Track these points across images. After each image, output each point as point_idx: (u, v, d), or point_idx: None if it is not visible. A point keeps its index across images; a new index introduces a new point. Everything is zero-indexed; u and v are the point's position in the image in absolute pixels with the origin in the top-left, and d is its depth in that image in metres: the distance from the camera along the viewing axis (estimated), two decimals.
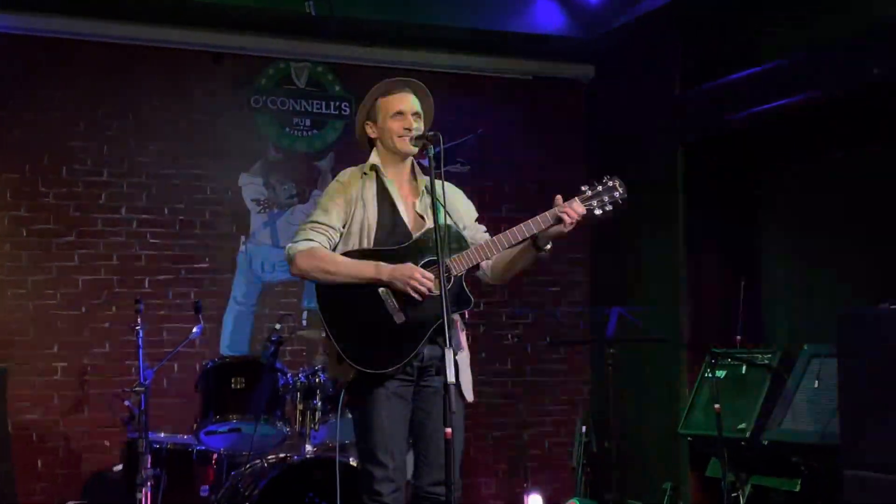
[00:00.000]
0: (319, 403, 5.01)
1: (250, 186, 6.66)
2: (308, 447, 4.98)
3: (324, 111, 6.84)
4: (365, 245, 3.61)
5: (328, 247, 3.63)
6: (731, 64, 6.15)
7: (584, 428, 6.55)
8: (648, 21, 6.37)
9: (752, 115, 5.71)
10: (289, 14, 6.22)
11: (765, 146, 6.13)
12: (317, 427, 5.02)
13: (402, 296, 3.50)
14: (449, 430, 3.07)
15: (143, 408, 4.96)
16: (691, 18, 6.26)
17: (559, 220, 3.52)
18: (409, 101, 3.70)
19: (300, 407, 5.06)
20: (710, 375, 5.53)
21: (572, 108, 7.33)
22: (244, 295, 6.58)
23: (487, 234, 3.76)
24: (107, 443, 6.11)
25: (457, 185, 3.86)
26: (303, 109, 6.79)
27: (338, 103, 6.86)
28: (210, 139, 6.57)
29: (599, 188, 3.59)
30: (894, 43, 4.97)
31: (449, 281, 3.45)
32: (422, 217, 3.68)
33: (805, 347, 5.33)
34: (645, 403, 6.53)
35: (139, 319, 5.19)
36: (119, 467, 5.48)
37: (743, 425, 5.35)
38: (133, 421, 5.07)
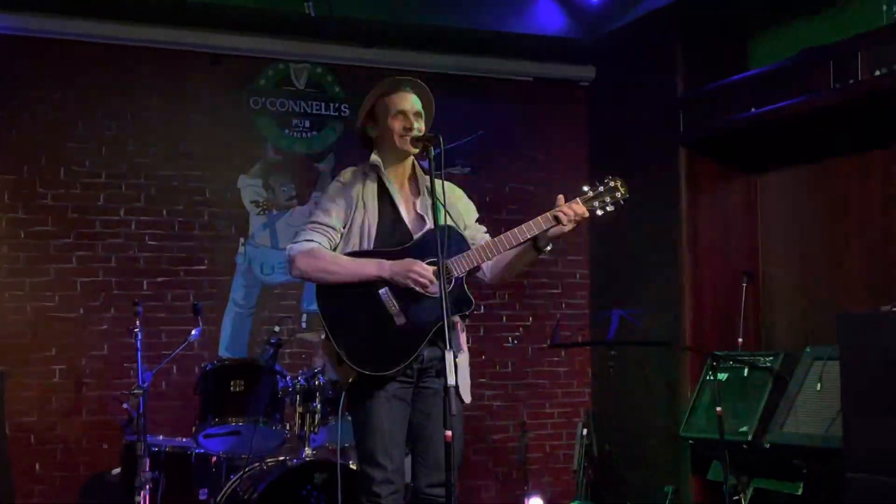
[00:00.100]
0: (319, 406, 5.00)
1: (249, 188, 6.64)
2: (307, 450, 4.96)
3: (323, 112, 6.82)
4: (365, 246, 3.61)
5: (329, 247, 3.62)
6: (733, 65, 6.14)
7: (584, 431, 6.54)
8: (649, 22, 6.35)
9: (753, 116, 5.69)
10: (288, 15, 6.20)
11: (766, 147, 6.11)
12: (316, 430, 5.01)
13: (402, 297, 3.50)
14: (449, 432, 3.05)
15: (141, 410, 4.95)
16: (692, 19, 6.25)
17: (559, 221, 3.51)
18: (410, 101, 3.69)
19: (299, 409, 5.05)
20: (711, 378, 5.53)
21: (573, 110, 7.31)
22: (243, 297, 6.55)
23: (488, 234, 3.76)
24: (105, 446, 6.08)
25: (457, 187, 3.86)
26: (302, 111, 6.77)
27: (337, 104, 6.84)
28: (209, 140, 6.55)
29: (601, 188, 3.60)
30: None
31: (449, 282, 3.44)
32: (422, 217, 3.67)
33: (807, 350, 5.31)
34: (646, 406, 6.50)
35: (138, 322, 5.16)
36: (117, 470, 5.46)
37: (745, 428, 5.34)
38: (131, 424, 5.05)
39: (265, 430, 5.08)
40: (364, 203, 3.64)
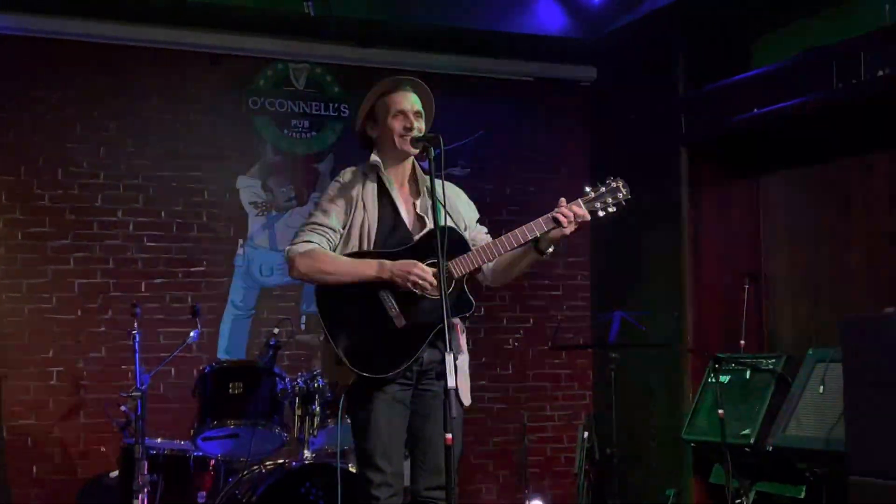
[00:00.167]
0: (318, 409, 4.99)
1: (248, 189, 6.62)
2: (306, 453, 4.95)
3: (323, 113, 6.80)
4: (365, 247, 3.58)
5: (328, 248, 3.60)
6: (734, 65, 6.12)
7: (586, 433, 6.51)
8: (651, 22, 6.33)
9: (755, 116, 5.68)
10: (288, 15, 6.18)
11: (768, 148, 6.09)
12: (315, 432, 4.99)
13: (402, 299, 3.48)
14: (450, 435, 3.03)
15: (139, 413, 4.92)
16: (694, 19, 6.23)
17: (559, 223, 3.48)
18: (410, 100, 3.66)
19: (298, 412, 5.03)
20: (713, 380, 5.51)
21: (574, 110, 7.30)
22: (242, 299, 6.53)
23: (488, 235, 3.73)
24: (103, 448, 6.06)
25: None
26: (301, 111, 6.75)
27: (337, 105, 6.82)
28: (208, 141, 6.53)
29: (603, 189, 3.58)
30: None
31: (450, 284, 3.41)
32: (422, 218, 3.64)
33: (810, 352, 5.29)
34: (648, 409, 6.49)
35: (136, 323, 5.14)
36: (115, 473, 5.45)
37: (747, 431, 5.31)
38: (129, 426, 5.04)
39: (264, 432, 5.05)
40: (364, 204, 3.62)
